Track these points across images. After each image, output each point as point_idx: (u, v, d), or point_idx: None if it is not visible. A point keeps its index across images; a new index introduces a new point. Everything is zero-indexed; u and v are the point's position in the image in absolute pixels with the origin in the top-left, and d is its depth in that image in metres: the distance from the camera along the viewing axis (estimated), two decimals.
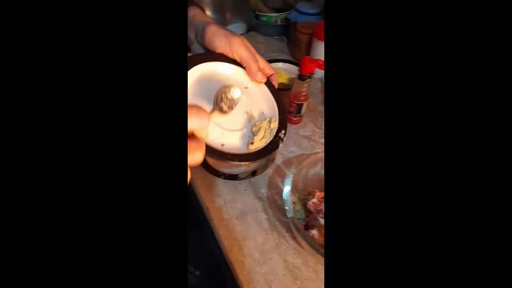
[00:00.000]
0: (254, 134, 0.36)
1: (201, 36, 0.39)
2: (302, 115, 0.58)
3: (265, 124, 0.37)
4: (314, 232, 0.36)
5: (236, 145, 0.35)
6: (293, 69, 0.68)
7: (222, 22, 0.93)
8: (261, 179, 0.49)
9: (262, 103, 0.40)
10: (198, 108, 0.20)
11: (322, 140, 0.56)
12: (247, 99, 0.39)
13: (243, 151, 0.35)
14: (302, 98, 0.53)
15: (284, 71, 0.70)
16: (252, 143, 0.35)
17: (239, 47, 0.37)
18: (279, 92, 0.41)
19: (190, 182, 0.40)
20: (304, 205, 0.40)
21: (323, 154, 0.41)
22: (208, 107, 0.32)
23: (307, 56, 0.48)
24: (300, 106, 0.55)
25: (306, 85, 0.51)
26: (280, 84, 0.66)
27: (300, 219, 0.40)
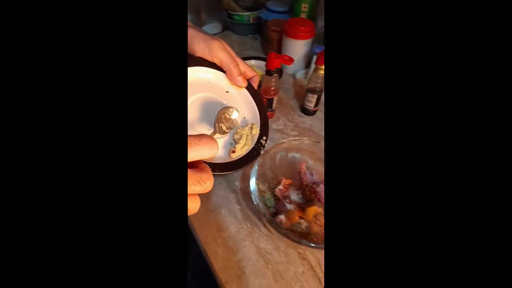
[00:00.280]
0: (236, 141, 0.36)
1: None
2: (274, 109, 0.60)
3: (246, 130, 0.37)
4: (282, 217, 0.38)
5: (217, 154, 0.35)
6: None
7: (198, 22, 0.94)
8: (236, 173, 0.51)
9: (244, 108, 0.39)
10: (208, 137, 0.21)
11: (293, 133, 0.59)
12: (228, 104, 0.38)
13: (225, 160, 0.34)
14: (272, 92, 0.55)
15: (257, 68, 0.72)
16: (233, 151, 0.35)
17: (219, 51, 0.37)
18: (260, 96, 0.40)
19: None
20: (274, 193, 0.42)
21: (289, 143, 0.43)
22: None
23: (273, 52, 0.50)
24: (270, 101, 0.57)
25: (274, 79, 0.53)
26: None
27: (270, 206, 0.42)
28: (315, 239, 0.36)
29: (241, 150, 0.36)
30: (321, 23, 0.70)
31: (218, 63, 0.39)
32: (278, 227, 0.35)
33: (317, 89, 0.56)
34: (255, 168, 0.38)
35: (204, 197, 0.46)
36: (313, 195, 0.41)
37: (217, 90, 0.40)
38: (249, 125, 0.38)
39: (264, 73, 0.70)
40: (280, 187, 0.40)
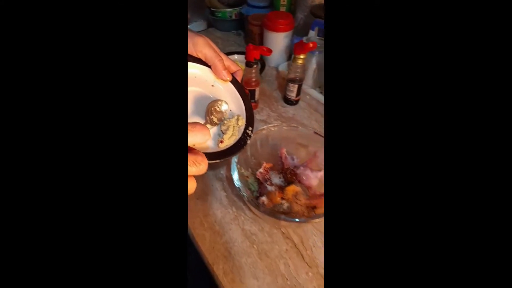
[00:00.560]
0: (223, 132, 0.37)
1: None
2: (257, 100, 0.61)
3: (233, 122, 0.38)
4: (264, 198, 0.40)
5: (206, 145, 0.36)
6: None
7: None
8: (221, 162, 0.52)
9: (229, 100, 0.41)
10: (201, 125, 0.23)
11: (277, 122, 0.61)
12: (215, 98, 0.40)
13: (214, 149, 0.36)
14: (253, 83, 0.57)
15: (241, 63, 0.74)
16: (221, 141, 0.37)
17: (203, 47, 0.38)
18: (245, 89, 0.42)
19: None
20: (256, 177, 0.43)
21: (268, 130, 0.45)
22: None
23: (251, 44, 0.52)
24: (253, 92, 0.58)
25: (254, 71, 0.55)
26: None
27: (254, 190, 0.44)
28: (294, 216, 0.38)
29: (229, 140, 0.38)
30: (300, 15, 0.72)
31: (203, 58, 0.40)
32: (260, 207, 0.36)
33: (297, 78, 0.58)
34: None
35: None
36: (294, 177, 0.43)
37: (203, 85, 0.42)
38: (236, 117, 0.40)
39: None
40: (261, 170, 0.42)
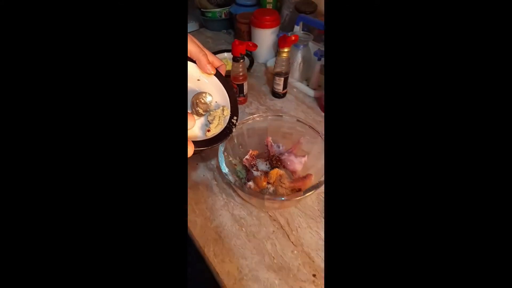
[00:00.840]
0: (210, 122, 0.40)
1: None
2: (245, 95, 0.64)
3: (218, 112, 0.41)
4: (250, 183, 0.42)
5: (195, 134, 0.39)
6: None
7: None
8: (211, 153, 0.55)
9: (214, 93, 0.43)
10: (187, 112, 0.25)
11: (265, 114, 0.63)
12: (200, 91, 0.42)
13: (202, 138, 0.39)
14: (241, 78, 0.59)
15: (230, 60, 0.76)
16: (209, 130, 0.39)
17: (188, 43, 0.40)
18: (229, 82, 0.44)
19: None
20: (243, 164, 0.46)
21: (253, 120, 0.47)
22: None
23: (236, 40, 0.54)
24: (241, 87, 0.61)
25: (241, 65, 0.57)
26: (227, 71, 0.72)
27: (242, 177, 0.46)
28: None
29: (215, 129, 0.40)
30: (285, 11, 0.74)
31: (188, 54, 0.43)
32: (248, 191, 0.39)
33: (283, 72, 0.61)
34: (222, 145, 0.42)
35: None
36: (279, 163, 0.45)
37: (189, 79, 0.44)
38: (221, 108, 0.42)
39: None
40: (247, 156, 0.44)
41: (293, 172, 0.46)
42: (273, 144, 0.48)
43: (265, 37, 0.72)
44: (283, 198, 0.36)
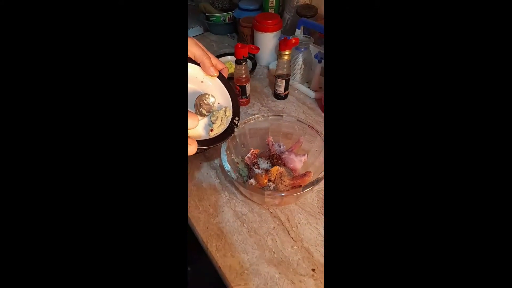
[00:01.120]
0: (213, 122, 0.42)
1: None
2: (248, 96, 0.66)
3: (221, 113, 0.43)
4: (252, 181, 0.44)
5: (199, 133, 0.41)
6: None
7: None
8: (215, 153, 0.56)
9: (217, 94, 0.45)
10: (190, 112, 0.28)
11: (266, 114, 0.65)
12: (204, 93, 0.44)
13: (206, 137, 0.41)
14: (243, 80, 0.61)
15: (234, 63, 0.78)
16: (212, 130, 0.41)
17: (192, 47, 0.42)
18: (231, 84, 0.46)
19: None
20: (245, 163, 0.47)
21: (255, 120, 0.49)
22: None
23: (239, 43, 0.56)
24: (244, 88, 0.63)
25: (243, 68, 0.59)
26: (230, 74, 0.74)
27: (244, 176, 0.48)
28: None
29: (218, 129, 0.42)
30: (287, 15, 0.76)
31: (192, 57, 0.45)
32: (249, 187, 0.40)
33: (284, 74, 0.62)
34: (225, 144, 0.44)
35: (188, 175, 0.52)
36: (279, 161, 0.47)
37: (193, 81, 0.46)
38: (223, 109, 0.44)
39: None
40: (249, 155, 0.46)
41: (293, 170, 0.47)
42: (274, 143, 0.50)
43: (267, 41, 0.74)
44: (283, 194, 0.38)
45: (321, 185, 0.48)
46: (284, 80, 0.63)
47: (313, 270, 0.39)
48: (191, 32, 0.99)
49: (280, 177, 0.43)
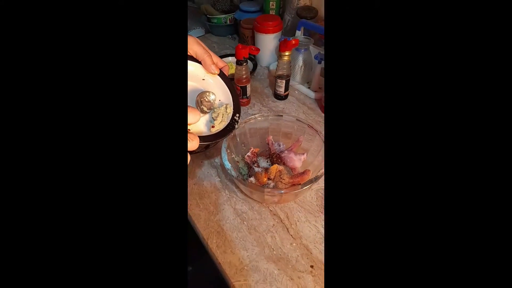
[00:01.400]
0: (214, 119, 0.43)
1: None
2: (249, 96, 0.66)
3: (222, 110, 0.44)
4: (251, 179, 0.44)
5: (200, 130, 0.42)
6: None
7: None
8: (215, 152, 0.57)
9: (218, 91, 0.46)
10: (191, 107, 0.29)
11: (266, 114, 0.65)
12: (205, 90, 0.45)
13: (207, 133, 0.42)
14: (244, 80, 0.62)
15: (235, 64, 0.79)
16: (213, 126, 0.42)
17: (193, 45, 0.43)
18: (231, 81, 0.48)
19: None
20: (245, 161, 0.48)
21: (255, 119, 0.49)
22: None
23: (240, 44, 0.57)
24: (244, 89, 0.63)
25: (244, 68, 0.60)
26: (231, 74, 0.75)
27: (244, 174, 0.48)
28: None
29: (219, 126, 0.43)
30: (287, 17, 0.77)
31: (194, 55, 0.46)
32: (249, 185, 0.41)
33: (284, 74, 0.63)
34: (225, 143, 0.45)
35: (189, 174, 0.53)
36: (279, 160, 0.47)
37: (195, 79, 0.47)
38: (224, 106, 0.45)
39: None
40: (249, 153, 0.46)
41: (293, 169, 0.48)
42: (274, 142, 0.50)
43: (268, 42, 0.75)
44: (282, 191, 0.39)
45: (320, 183, 0.49)
46: (284, 81, 0.64)
47: (311, 266, 0.40)
48: (192, 33, 1.00)
49: (280, 176, 0.44)
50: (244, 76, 0.61)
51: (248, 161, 0.46)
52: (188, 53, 0.45)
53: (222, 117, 0.43)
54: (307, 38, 0.66)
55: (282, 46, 0.58)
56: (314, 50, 0.68)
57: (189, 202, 0.48)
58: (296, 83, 0.71)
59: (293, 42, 0.57)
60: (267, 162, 0.49)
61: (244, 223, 0.45)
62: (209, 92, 0.43)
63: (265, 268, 0.40)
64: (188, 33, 1.07)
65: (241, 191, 0.49)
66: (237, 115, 0.45)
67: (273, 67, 0.79)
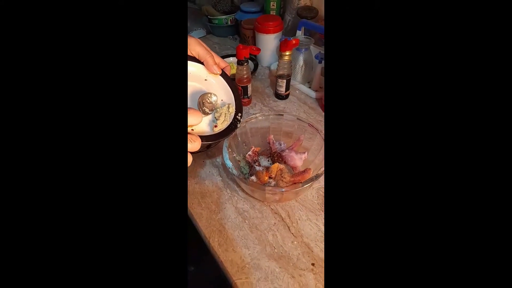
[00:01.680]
0: (217, 119, 0.44)
1: None
2: (250, 96, 0.67)
3: (225, 109, 0.44)
4: (253, 178, 0.45)
5: (203, 129, 0.43)
6: None
7: None
8: (217, 152, 0.58)
9: (220, 92, 0.47)
10: (193, 109, 0.29)
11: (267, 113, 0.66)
12: (208, 90, 0.46)
13: (210, 133, 0.43)
14: (245, 80, 0.62)
15: (236, 64, 0.80)
16: (216, 126, 0.43)
17: (196, 46, 0.44)
18: (233, 81, 0.48)
19: None
20: (246, 160, 0.48)
21: (256, 118, 0.50)
22: None
23: (240, 44, 0.57)
24: (245, 88, 0.64)
25: (245, 68, 0.60)
26: (232, 74, 0.76)
27: (245, 173, 0.49)
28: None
29: (222, 125, 0.44)
30: (288, 17, 0.78)
31: (196, 56, 0.46)
32: (250, 184, 0.41)
33: (285, 74, 0.64)
34: (226, 142, 0.45)
35: (191, 173, 0.53)
36: (280, 158, 0.48)
37: (197, 79, 0.48)
38: (226, 105, 0.45)
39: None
40: (250, 152, 0.47)
41: (294, 168, 0.48)
42: (274, 141, 0.51)
43: (268, 42, 0.75)
44: (283, 190, 0.39)
45: (321, 182, 0.49)
46: (285, 81, 0.64)
47: (312, 264, 0.40)
48: (194, 34, 1.00)
49: (281, 174, 0.44)
50: (245, 76, 0.61)
51: (249, 160, 0.47)
52: (191, 54, 0.46)
53: (225, 116, 0.44)
54: (307, 38, 0.67)
55: (282, 46, 0.59)
56: (315, 50, 0.68)
57: (191, 201, 0.49)
58: (297, 82, 0.71)
59: (294, 42, 0.57)
60: (268, 161, 0.49)
61: (245, 222, 0.45)
62: (210, 93, 0.43)
63: (266, 266, 0.40)
64: (190, 34, 1.08)
65: (243, 190, 0.49)
66: (239, 114, 0.45)
67: (274, 67, 0.79)
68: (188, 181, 0.52)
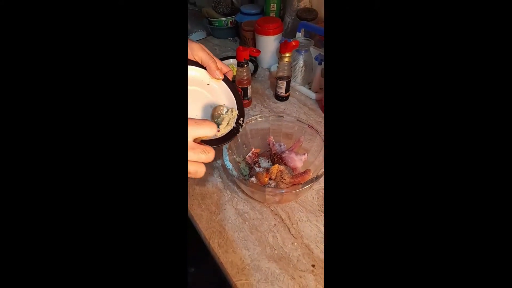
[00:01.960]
0: (220, 123, 0.44)
1: None
2: (250, 98, 0.67)
3: (228, 114, 0.45)
4: (253, 179, 0.45)
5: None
6: None
7: None
8: (217, 154, 0.57)
9: (223, 96, 0.48)
10: (209, 121, 0.30)
11: (267, 115, 0.66)
12: (210, 95, 0.47)
13: (213, 137, 0.43)
14: (245, 82, 0.62)
15: (236, 66, 0.80)
16: (218, 130, 0.43)
17: (198, 51, 0.44)
18: (236, 86, 0.48)
19: None
20: (246, 162, 0.48)
21: (256, 120, 0.50)
22: None
23: (240, 46, 0.57)
24: (245, 90, 0.64)
25: (245, 70, 0.60)
26: (232, 76, 0.76)
27: (245, 175, 0.49)
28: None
29: (225, 130, 0.44)
30: (288, 19, 0.78)
31: (199, 61, 0.47)
32: (250, 185, 0.41)
33: (285, 75, 0.64)
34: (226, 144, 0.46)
35: None
36: (280, 160, 0.48)
37: (200, 84, 0.48)
38: (230, 110, 0.46)
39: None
40: (250, 154, 0.47)
41: (294, 169, 0.48)
42: (275, 143, 0.51)
43: (268, 44, 0.76)
44: (283, 191, 0.39)
45: (321, 183, 0.49)
46: (285, 82, 0.64)
47: (313, 266, 0.40)
48: (194, 36, 1.01)
49: (281, 175, 0.44)
50: (245, 78, 0.62)
51: (249, 162, 0.47)
52: (194, 59, 0.46)
53: (228, 121, 0.44)
54: (307, 39, 0.67)
55: (282, 48, 0.59)
56: (315, 51, 0.68)
57: (191, 203, 0.49)
58: (297, 84, 0.71)
59: (294, 43, 0.58)
60: (268, 162, 0.49)
61: (245, 223, 0.45)
62: (222, 106, 0.44)
63: (266, 267, 0.40)
64: (190, 36, 1.08)
65: (243, 191, 0.49)
66: (241, 118, 0.46)
67: (274, 68, 0.79)
68: (188, 183, 0.52)
